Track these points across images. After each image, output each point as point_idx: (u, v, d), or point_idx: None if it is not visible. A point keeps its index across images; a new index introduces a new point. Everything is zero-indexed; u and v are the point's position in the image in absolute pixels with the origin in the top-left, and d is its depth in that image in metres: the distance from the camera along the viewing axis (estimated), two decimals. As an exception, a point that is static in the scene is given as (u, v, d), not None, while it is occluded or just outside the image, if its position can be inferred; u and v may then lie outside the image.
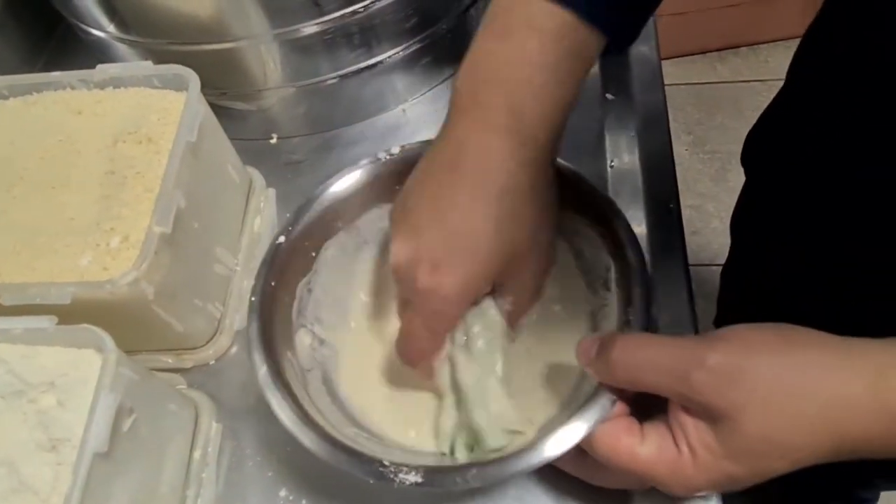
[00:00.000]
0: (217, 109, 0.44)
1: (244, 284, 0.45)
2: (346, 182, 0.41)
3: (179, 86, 0.42)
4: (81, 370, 0.33)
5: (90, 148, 0.41)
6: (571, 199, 0.39)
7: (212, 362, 0.43)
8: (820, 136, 0.42)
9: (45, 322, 0.33)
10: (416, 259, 0.33)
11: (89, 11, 0.46)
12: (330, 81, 0.50)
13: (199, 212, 0.40)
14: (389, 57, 0.50)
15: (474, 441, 0.35)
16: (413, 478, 0.31)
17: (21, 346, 0.34)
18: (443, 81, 0.54)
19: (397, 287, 0.36)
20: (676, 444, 0.29)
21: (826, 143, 0.42)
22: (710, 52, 1.63)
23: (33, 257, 0.37)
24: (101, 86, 0.43)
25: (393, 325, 0.40)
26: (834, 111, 0.40)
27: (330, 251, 0.41)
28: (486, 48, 0.34)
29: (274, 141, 0.53)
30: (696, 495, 0.31)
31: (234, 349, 0.44)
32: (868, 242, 0.41)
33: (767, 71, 1.57)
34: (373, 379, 0.40)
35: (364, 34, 0.47)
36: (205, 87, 0.41)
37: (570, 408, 0.34)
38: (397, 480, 0.31)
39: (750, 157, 0.55)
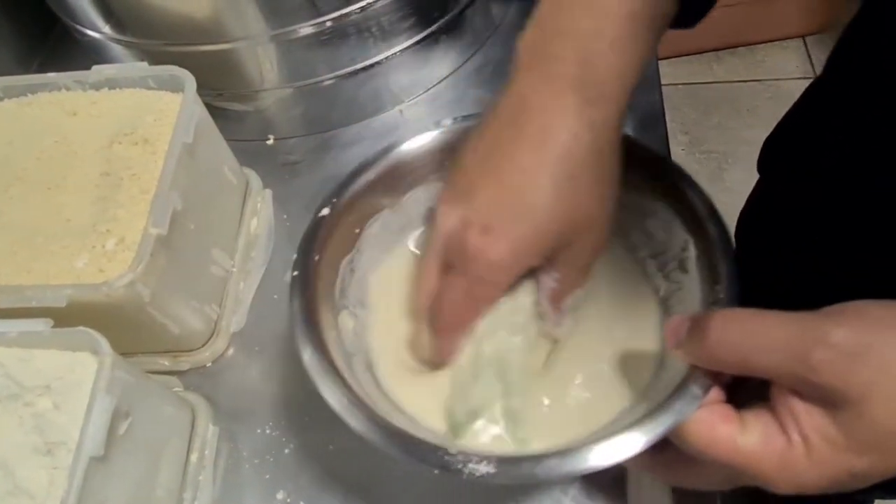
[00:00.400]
0: (213, 110, 0.44)
1: (241, 286, 0.45)
2: (393, 156, 0.38)
3: (175, 87, 0.42)
4: (77, 373, 0.33)
5: (86, 149, 0.41)
6: (636, 171, 0.35)
7: (208, 364, 0.43)
8: (839, 144, 0.42)
9: (41, 325, 0.33)
10: (467, 220, 0.31)
11: (85, 12, 0.45)
12: (327, 82, 0.50)
13: (195, 213, 0.39)
14: (387, 58, 0.50)
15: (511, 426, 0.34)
16: (484, 468, 0.28)
17: (17, 349, 0.34)
18: (440, 82, 0.54)
19: (438, 250, 0.33)
20: (786, 433, 0.26)
21: (845, 152, 0.41)
22: (707, 52, 1.63)
23: (29, 259, 0.37)
24: (97, 87, 0.43)
25: None
26: (854, 120, 0.40)
27: (374, 229, 0.39)
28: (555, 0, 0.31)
29: (271, 142, 0.53)
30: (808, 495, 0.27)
31: (230, 351, 0.44)
32: (883, 252, 0.40)
33: (764, 71, 1.58)
34: (415, 368, 0.37)
35: (361, 35, 0.47)
36: (201, 88, 0.41)
37: (650, 398, 0.31)
38: (466, 471, 0.28)
39: (767, 163, 0.55)
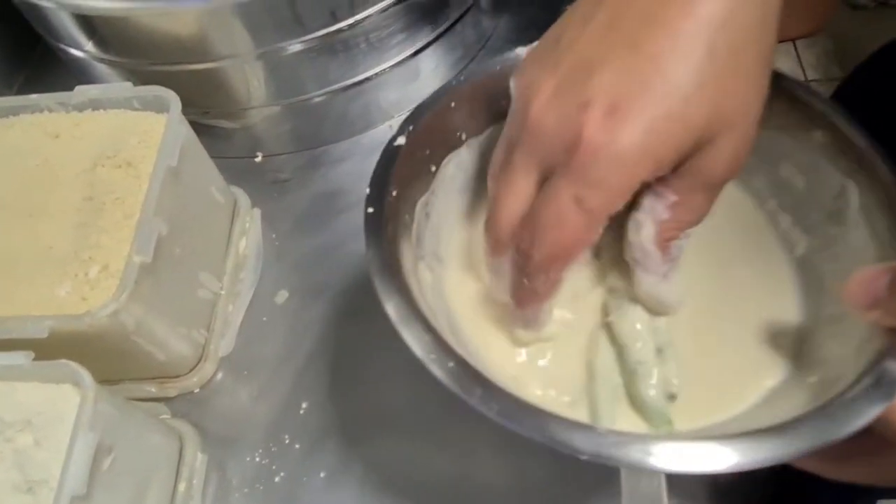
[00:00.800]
0: (200, 128, 0.43)
1: (229, 309, 0.44)
2: (473, 82, 0.32)
3: (160, 107, 0.41)
4: (59, 407, 0.32)
5: (68, 173, 0.40)
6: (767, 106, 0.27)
7: (196, 390, 0.42)
8: None
9: (22, 358, 0.32)
10: (584, 102, 0.23)
11: (67, 31, 0.44)
12: (316, 99, 0.49)
13: (181, 237, 0.39)
14: (376, 74, 0.49)
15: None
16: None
17: (-3, 383, 0.33)
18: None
19: (532, 152, 0.25)
20: None
21: None
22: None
23: (9, 288, 0.36)
24: (80, 108, 0.42)
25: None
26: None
27: (449, 169, 0.33)
28: None
29: (259, 159, 0.52)
30: None
31: (219, 376, 0.43)
32: None
33: (755, 75, 1.57)
34: (495, 328, 0.32)
35: (350, 51, 0.46)
36: (187, 106, 0.40)
37: (815, 373, 0.26)
38: (650, 465, 0.23)
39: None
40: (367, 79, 0.49)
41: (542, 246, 0.25)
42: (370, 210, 0.29)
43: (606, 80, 0.23)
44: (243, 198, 0.49)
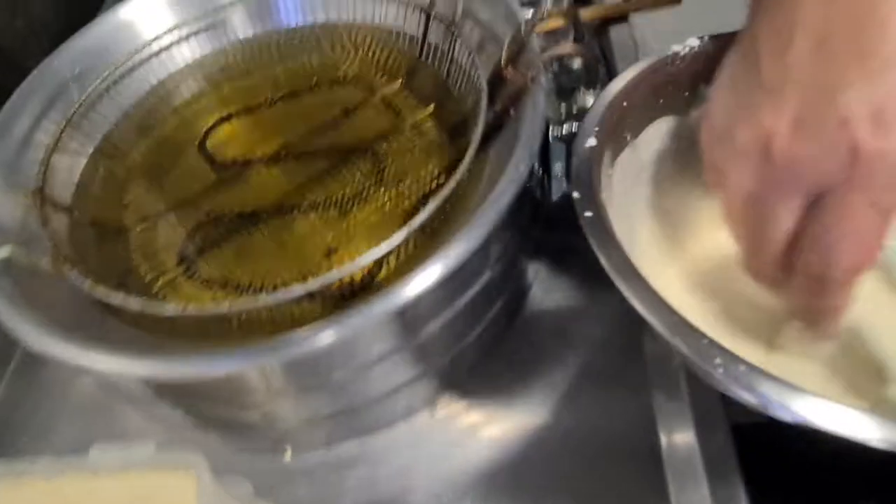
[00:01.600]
0: (224, 422, 0.39)
1: None
2: (639, 80, 0.33)
3: (185, 464, 0.37)
4: None
5: (83, 562, 0.35)
6: None
7: None
8: None
9: None
10: (840, 119, 0.26)
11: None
12: (349, 404, 0.45)
13: None
14: (413, 379, 0.45)
15: None
16: None
17: None
18: (470, 376, 0.50)
19: (780, 185, 0.27)
20: None
21: None
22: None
23: None
24: (96, 470, 0.38)
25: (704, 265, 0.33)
26: None
27: (616, 174, 0.33)
28: None
29: (288, 458, 0.48)
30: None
31: None
32: None
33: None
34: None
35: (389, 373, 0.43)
36: (211, 404, 0.37)
37: None
38: None
39: None
40: (407, 383, 0.45)
41: (841, 260, 0.27)
42: (588, 214, 0.29)
43: (854, 93, 0.25)
44: (271, 516, 0.44)
